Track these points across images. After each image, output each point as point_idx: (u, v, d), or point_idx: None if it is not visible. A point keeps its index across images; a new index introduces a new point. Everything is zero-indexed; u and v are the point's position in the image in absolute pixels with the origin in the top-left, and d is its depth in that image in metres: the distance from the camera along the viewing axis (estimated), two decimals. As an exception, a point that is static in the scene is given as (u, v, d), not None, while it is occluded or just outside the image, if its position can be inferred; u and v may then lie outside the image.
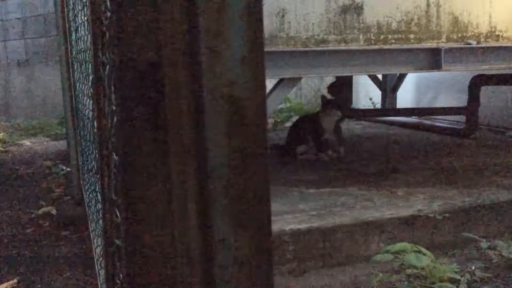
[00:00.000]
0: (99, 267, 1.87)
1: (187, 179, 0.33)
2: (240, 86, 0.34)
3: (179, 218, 0.33)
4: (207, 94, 0.33)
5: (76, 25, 2.62)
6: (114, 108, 0.73)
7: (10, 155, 5.27)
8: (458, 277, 2.11)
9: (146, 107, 0.33)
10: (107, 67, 0.83)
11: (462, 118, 4.55)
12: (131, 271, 0.33)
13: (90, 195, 2.51)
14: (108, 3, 0.77)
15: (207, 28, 0.32)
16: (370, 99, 6.27)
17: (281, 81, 2.82)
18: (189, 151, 0.33)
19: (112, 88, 0.77)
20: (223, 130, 0.33)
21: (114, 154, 0.79)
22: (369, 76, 5.31)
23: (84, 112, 2.69)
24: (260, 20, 0.34)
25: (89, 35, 1.77)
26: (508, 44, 3.06)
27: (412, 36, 2.85)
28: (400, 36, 2.83)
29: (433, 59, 2.84)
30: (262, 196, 0.34)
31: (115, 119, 0.60)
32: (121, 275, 0.88)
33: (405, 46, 2.84)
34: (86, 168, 2.86)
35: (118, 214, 0.85)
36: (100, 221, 1.87)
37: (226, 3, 0.32)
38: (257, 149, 0.34)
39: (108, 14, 0.77)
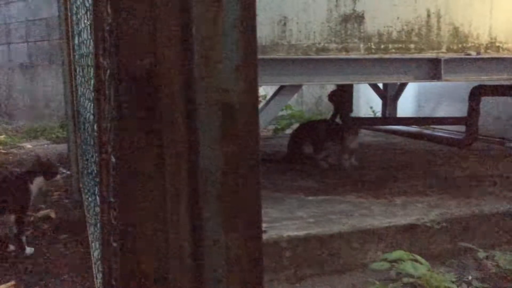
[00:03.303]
0: (96, 271, 1.88)
1: (181, 182, 0.35)
2: (234, 93, 0.35)
3: (172, 220, 0.34)
4: (201, 101, 0.34)
5: (79, 29, 2.64)
6: (115, 112, 0.75)
7: (11, 157, 5.28)
8: (454, 286, 2.11)
9: (142, 113, 0.35)
10: (108, 71, 0.85)
11: (462, 128, 4.56)
12: (124, 271, 0.35)
13: (89, 199, 2.52)
14: (109, 10, 0.79)
15: (202, 37, 0.34)
16: (371, 107, 6.29)
17: (281, 88, 2.84)
18: (183, 155, 0.34)
19: (112, 92, 0.78)
20: (216, 135, 0.35)
21: (113, 157, 0.81)
22: (370, 84, 5.33)
23: (85, 115, 2.70)
24: (253, 31, 0.36)
25: (91, 40, 1.79)
26: (508, 56, 3.08)
27: (412, 46, 2.87)
28: (400, 45, 2.85)
29: (433, 69, 2.85)
30: (253, 199, 0.35)
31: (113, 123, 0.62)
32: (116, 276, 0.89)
33: (406, 56, 2.86)
34: (85, 171, 2.87)
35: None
36: (98, 224, 1.88)
37: (221, 14, 0.33)
38: (249, 154, 0.35)
39: (110, 19, 0.79)
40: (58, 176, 2.87)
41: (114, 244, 0.90)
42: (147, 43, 0.33)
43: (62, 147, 5.59)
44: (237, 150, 0.35)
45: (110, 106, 0.88)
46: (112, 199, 0.84)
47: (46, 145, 5.97)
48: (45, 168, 2.76)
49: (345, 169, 3.71)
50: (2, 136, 6.19)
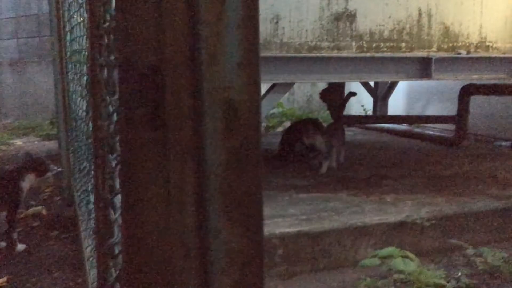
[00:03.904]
0: (89, 267, 1.88)
1: (186, 176, 0.36)
2: (236, 90, 0.36)
3: (176, 213, 0.35)
4: (206, 97, 0.35)
5: (71, 26, 2.64)
6: (112, 109, 0.76)
7: (0, 154, 5.25)
8: (444, 283, 2.14)
9: (147, 109, 0.36)
10: (105, 69, 0.86)
11: (451, 126, 4.60)
12: (128, 262, 0.36)
13: (81, 196, 2.52)
14: (107, 7, 0.79)
15: (206, 35, 0.35)
16: (362, 106, 6.32)
17: (273, 86, 2.85)
18: (188, 150, 0.35)
19: (110, 89, 0.79)
20: (219, 131, 0.36)
21: (111, 154, 0.82)
22: (361, 83, 5.36)
23: (77, 112, 2.70)
24: (256, 29, 0.37)
25: (85, 37, 1.79)
26: (498, 55, 3.11)
27: (403, 44, 2.89)
28: (392, 44, 2.87)
29: (423, 68, 2.88)
30: (254, 194, 0.36)
31: (116, 120, 0.63)
32: (114, 271, 0.90)
33: (397, 55, 2.88)
34: (77, 168, 2.87)
35: (113, 213, 0.87)
36: (92, 221, 1.88)
37: (224, 12, 0.35)
38: (251, 149, 0.36)
39: (108, 17, 0.79)
40: (49, 174, 2.86)
41: (111, 240, 0.91)
42: (153, 40, 0.35)
43: (52, 144, 5.56)
44: (239, 145, 0.36)
45: (106, 103, 0.89)
46: (109, 196, 0.85)
47: (36, 142, 5.94)
48: (35, 165, 2.75)
49: (313, 169, 3.62)
50: (-9, 133, 6.15)
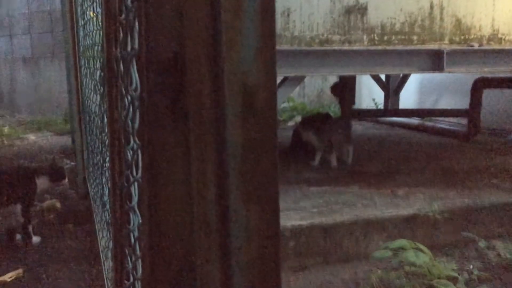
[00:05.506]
0: (104, 258, 1.91)
1: (206, 157, 0.37)
2: (254, 75, 0.38)
3: (199, 194, 0.37)
4: (225, 82, 0.37)
5: (85, 21, 2.66)
6: (128, 100, 0.77)
7: (15, 149, 5.32)
8: (456, 275, 2.14)
9: (169, 95, 0.37)
10: (121, 61, 0.87)
11: (464, 120, 4.58)
12: (153, 238, 0.37)
13: (95, 189, 2.55)
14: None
15: (226, 23, 0.36)
16: (373, 99, 6.30)
17: (284, 80, 2.85)
18: (208, 134, 0.37)
19: (126, 81, 0.80)
20: (238, 114, 0.37)
21: (127, 145, 0.83)
22: (372, 76, 5.34)
23: (90, 107, 2.72)
24: (272, 18, 0.38)
25: (98, 31, 1.80)
26: (511, 47, 3.09)
27: (415, 37, 2.88)
28: (403, 37, 2.86)
29: (435, 61, 2.87)
30: (270, 175, 0.38)
31: (132, 111, 0.64)
32: (130, 259, 0.91)
33: (408, 47, 2.87)
34: (91, 162, 2.90)
35: (128, 202, 0.89)
36: (106, 213, 1.91)
37: (242, 2, 0.36)
38: (267, 132, 0.38)
39: (124, 8, 0.81)
40: (65, 181, 2.86)
41: (127, 228, 0.93)
42: (174, 28, 0.36)
43: (65, 139, 5.62)
44: (256, 128, 0.37)
45: (122, 95, 0.90)
46: (125, 184, 0.87)
47: (49, 137, 6.00)
48: (54, 171, 2.76)
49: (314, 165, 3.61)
50: (5, 128, 6.23)
